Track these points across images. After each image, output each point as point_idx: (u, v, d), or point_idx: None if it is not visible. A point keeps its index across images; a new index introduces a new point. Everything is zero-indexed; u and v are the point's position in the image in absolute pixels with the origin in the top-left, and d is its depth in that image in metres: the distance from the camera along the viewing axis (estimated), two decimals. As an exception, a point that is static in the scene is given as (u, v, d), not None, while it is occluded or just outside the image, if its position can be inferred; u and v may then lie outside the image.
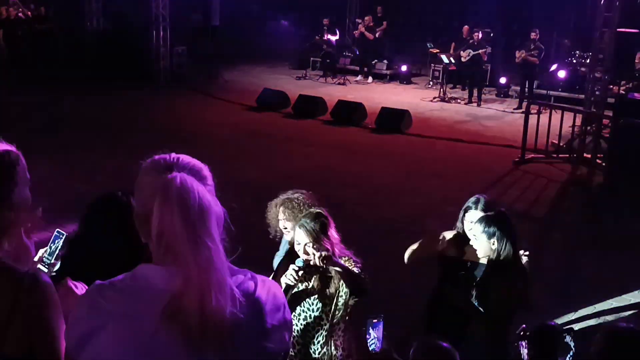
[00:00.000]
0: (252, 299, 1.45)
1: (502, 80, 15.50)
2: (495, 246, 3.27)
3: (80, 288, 1.97)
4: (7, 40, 16.64)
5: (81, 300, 1.49)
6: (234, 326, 1.38)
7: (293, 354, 3.11)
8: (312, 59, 18.31)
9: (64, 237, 2.32)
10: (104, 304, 1.41)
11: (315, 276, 3.12)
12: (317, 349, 3.11)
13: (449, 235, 3.60)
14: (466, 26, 15.31)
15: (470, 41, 14.62)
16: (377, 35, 17.06)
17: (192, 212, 1.37)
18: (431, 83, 16.54)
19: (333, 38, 17.32)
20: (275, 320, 1.49)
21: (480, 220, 3.33)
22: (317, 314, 3.12)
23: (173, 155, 1.51)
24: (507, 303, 3.27)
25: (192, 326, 1.34)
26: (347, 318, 3.14)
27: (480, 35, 14.73)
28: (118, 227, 2.14)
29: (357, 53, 17.60)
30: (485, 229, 3.28)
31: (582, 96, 12.07)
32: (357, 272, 3.07)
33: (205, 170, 1.51)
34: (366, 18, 17.22)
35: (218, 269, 1.37)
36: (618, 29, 10.26)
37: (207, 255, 1.37)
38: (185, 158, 1.51)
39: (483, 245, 3.31)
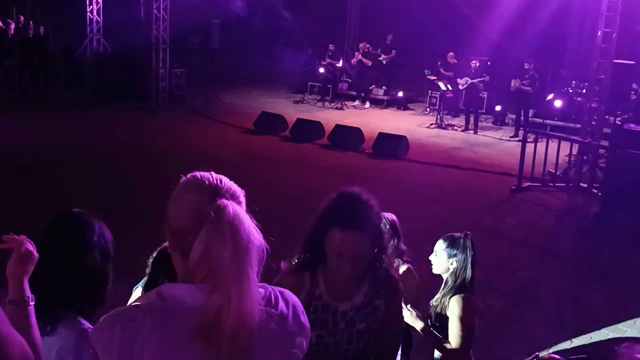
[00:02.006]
0: (276, 310, 1.55)
1: (498, 108, 15.63)
2: (453, 266, 3.24)
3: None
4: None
5: (111, 328, 1.44)
6: (263, 338, 1.47)
7: None
8: (310, 83, 18.43)
9: None
10: (137, 327, 1.41)
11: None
12: None
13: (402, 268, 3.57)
14: (451, 53, 15.59)
15: (473, 66, 14.81)
16: (384, 62, 17.27)
17: (242, 245, 1.44)
18: (428, 109, 16.65)
19: (337, 64, 17.55)
20: (296, 327, 1.58)
21: (445, 238, 3.32)
22: None
23: (215, 175, 1.58)
24: (466, 327, 3.16)
25: (223, 343, 1.41)
26: None
27: (477, 64, 14.89)
28: (78, 246, 2.14)
29: (350, 80, 17.87)
30: (447, 249, 3.27)
31: (579, 125, 12.14)
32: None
33: (242, 196, 1.58)
34: (360, 45, 17.43)
35: (253, 294, 1.46)
36: (615, 60, 10.36)
37: (246, 284, 1.44)
38: (226, 181, 1.58)
39: (441, 263, 3.29)
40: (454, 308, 3.16)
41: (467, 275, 3.22)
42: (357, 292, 2.40)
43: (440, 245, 3.32)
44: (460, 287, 3.22)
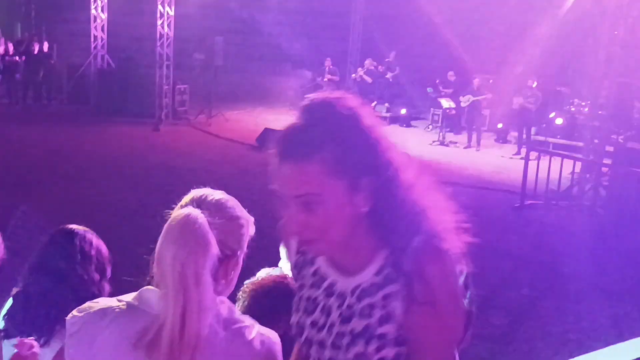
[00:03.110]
0: (244, 342, 1.45)
1: (500, 125, 15.65)
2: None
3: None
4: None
5: (83, 317, 1.49)
6: (208, 357, 1.39)
7: None
8: (312, 99, 18.46)
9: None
10: (104, 326, 1.43)
11: None
12: None
13: None
14: (450, 72, 15.82)
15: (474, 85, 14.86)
16: (391, 79, 17.36)
17: (187, 251, 1.37)
18: (430, 127, 16.66)
19: (336, 79, 17.63)
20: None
21: None
22: None
23: (207, 191, 1.55)
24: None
25: (161, 356, 1.35)
26: None
27: (479, 81, 14.93)
28: (74, 261, 2.13)
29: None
30: None
31: (581, 144, 12.13)
32: None
33: (229, 207, 1.52)
34: (366, 62, 17.50)
35: (196, 307, 1.37)
36: (618, 79, 10.37)
37: (189, 294, 1.36)
38: (214, 196, 1.53)
39: None
40: None
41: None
42: (369, 263, 1.39)
43: None
44: None
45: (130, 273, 1.59)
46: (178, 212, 1.43)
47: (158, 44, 15.07)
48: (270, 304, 2.25)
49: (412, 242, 1.31)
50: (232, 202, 1.54)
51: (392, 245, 1.34)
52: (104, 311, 1.45)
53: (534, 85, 13.98)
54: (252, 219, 1.57)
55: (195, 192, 1.52)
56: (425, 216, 1.35)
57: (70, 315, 1.50)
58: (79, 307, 1.50)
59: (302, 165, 1.29)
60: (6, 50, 16.67)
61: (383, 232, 1.35)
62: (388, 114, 17.52)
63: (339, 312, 1.40)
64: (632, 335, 5.51)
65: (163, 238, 1.41)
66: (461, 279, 1.35)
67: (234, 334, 1.45)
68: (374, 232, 1.36)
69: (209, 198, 1.50)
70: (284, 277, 2.39)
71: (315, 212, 1.31)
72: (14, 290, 2.25)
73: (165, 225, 1.42)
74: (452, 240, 1.36)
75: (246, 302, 2.34)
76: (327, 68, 17.72)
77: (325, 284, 1.45)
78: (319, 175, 1.28)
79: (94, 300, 1.51)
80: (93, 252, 2.15)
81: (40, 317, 1.91)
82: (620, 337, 5.48)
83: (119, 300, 1.47)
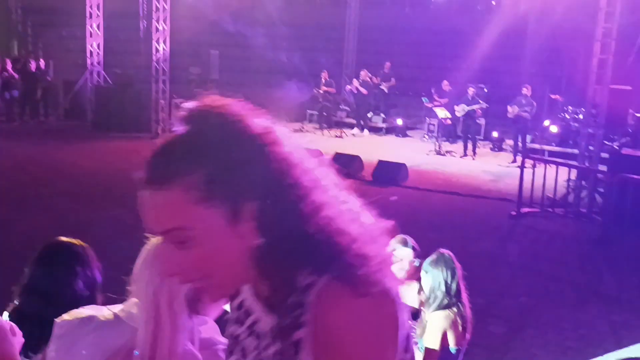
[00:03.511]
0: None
1: (495, 134, 15.72)
2: (431, 282, 3.35)
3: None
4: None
5: (71, 321, 1.52)
6: None
7: None
8: (308, 111, 18.53)
9: None
10: (85, 332, 1.46)
11: None
12: None
13: None
14: (445, 81, 15.94)
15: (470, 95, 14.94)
16: (386, 90, 17.45)
17: (160, 278, 1.40)
18: (426, 136, 16.72)
19: (333, 91, 17.73)
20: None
21: (439, 256, 3.41)
22: None
23: None
24: (437, 343, 3.28)
25: None
26: None
27: (473, 91, 15.01)
28: (63, 274, 2.13)
29: (349, 108, 18.05)
30: (424, 267, 3.39)
31: (576, 151, 12.18)
32: None
33: None
34: (362, 73, 17.59)
35: (175, 330, 1.39)
36: (611, 86, 10.44)
37: (162, 318, 1.39)
38: None
39: (423, 282, 3.40)
40: (431, 323, 3.27)
41: (442, 291, 3.29)
42: (285, 300, 1.12)
43: (422, 266, 3.45)
44: (444, 301, 3.29)
45: (125, 290, 1.61)
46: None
47: (154, 58, 15.13)
48: None
49: (318, 281, 1.00)
50: None
51: (296, 284, 1.03)
52: (90, 319, 1.47)
53: (529, 94, 14.04)
54: None
55: None
56: (340, 247, 1.03)
57: (60, 317, 1.53)
58: (71, 310, 1.53)
59: (163, 194, 1.03)
60: (3, 67, 16.72)
61: (284, 268, 1.04)
62: (384, 125, 17.60)
63: (253, 356, 1.14)
64: (631, 342, 5.53)
65: (140, 260, 1.44)
66: (396, 325, 1.02)
67: (211, 355, 1.48)
68: (274, 268, 1.05)
69: None
70: None
71: (191, 250, 1.02)
72: (10, 306, 2.25)
73: (143, 248, 1.44)
74: (378, 275, 1.02)
75: None
76: (323, 80, 17.82)
77: (248, 321, 1.17)
78: (184, 205, 1.00)
79: (88, 307, 1.54)
80: (81, 266, 2.15)
81: (34, 338, 1.91)
82: (619, 344, 5.48)
83: (109, 310, 1.50)
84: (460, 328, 3.30)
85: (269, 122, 1.09)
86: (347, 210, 1.12)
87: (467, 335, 3.38)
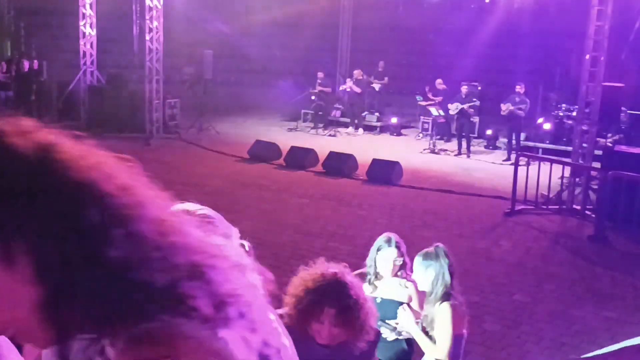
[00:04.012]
0: None
1: (489, 132, 15.77)
2: (431, 276, 3.44)
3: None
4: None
5: None
6: None
7: None
8: (303, 111, 18.56)
9: None
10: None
11: None
12: None
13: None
14: (439, 79, 15.97)
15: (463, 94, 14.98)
16: (378, 89, 17.50)
17: None
18: (421, 135, 16.77)
19: (328, 90, 17.78)
20: None
21: (419, 254, 3.54)
22: None
23: (190, 206, 1.52)
24: (450, 333, 3.38)
25: None
26: None
27: (467, 89, 15.05)
28: None
29: (343, 107, 18.11)
30: (422, 262, 3.48)
31: (570, 148, 12.23)
32: None
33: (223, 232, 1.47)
34: (355, 72, 17.63)
35: None
36: (604, 83, 10.48)
37: None
38: (189, 208, 1.49)
39: (420, 276, 3.49)
40: (440, 314, 3.36)
41: (446, 282, 3.41)
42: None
43: (416, 261, 3.53)
44: (444, 294, 3.39)
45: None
46: None
47: (147, 58, 15.11)
48: (316, 297, 2.36)
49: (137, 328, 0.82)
50: (216, 218, 1.51)
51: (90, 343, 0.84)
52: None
53: (522, 92, 14.09)
54: (238, 234, 1.54)
55: (177, 207, 1.28)
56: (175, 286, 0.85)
57: None
58: None
59: None
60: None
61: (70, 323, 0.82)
62: (379, 123, 17.63)
63: None
64: (624, 338, 5.56)
65: None
66: None
67: None
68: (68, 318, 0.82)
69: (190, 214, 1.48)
70: (337, 272, 2.48)
71: None
72: None
73: None
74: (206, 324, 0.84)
75: (297, 291, 2.43)
76: (318, 80, 17.86)
77: None
78: None
79: None
80: None
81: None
82: (613, 340, 5.52)
83: None
84: (464, 315, 3.45)
85: (56, 137, 0.91)
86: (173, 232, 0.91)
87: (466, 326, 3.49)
